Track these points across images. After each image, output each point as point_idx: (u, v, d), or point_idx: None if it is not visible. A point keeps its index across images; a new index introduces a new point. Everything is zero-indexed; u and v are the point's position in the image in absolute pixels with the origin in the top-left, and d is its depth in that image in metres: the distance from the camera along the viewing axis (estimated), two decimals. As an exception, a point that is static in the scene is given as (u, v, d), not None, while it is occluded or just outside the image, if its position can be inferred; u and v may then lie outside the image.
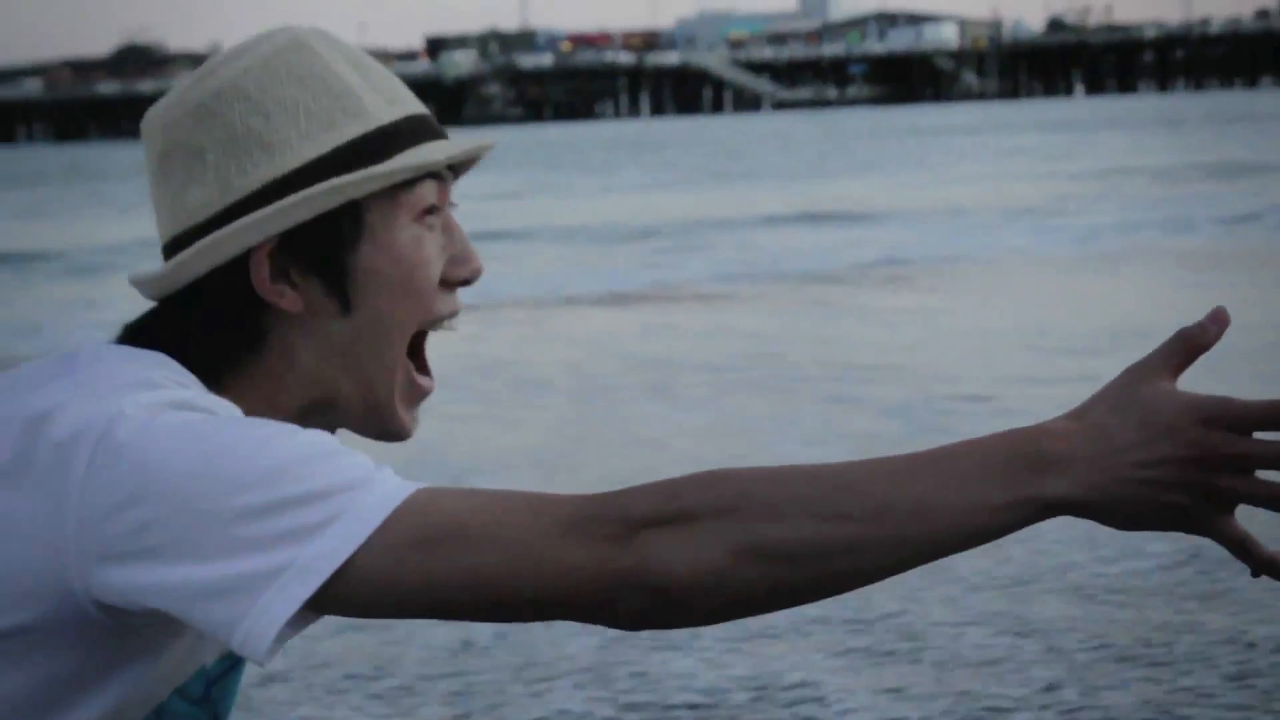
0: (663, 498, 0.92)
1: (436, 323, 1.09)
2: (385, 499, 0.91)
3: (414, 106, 1.10)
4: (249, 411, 1.01)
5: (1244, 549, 0.88)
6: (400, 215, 1.05)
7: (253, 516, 0.90)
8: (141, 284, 1.06)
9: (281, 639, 0.91)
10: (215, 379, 1.03)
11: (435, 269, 1.07)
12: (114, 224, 23.86)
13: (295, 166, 1.03)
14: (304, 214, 1.01)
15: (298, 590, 0.90)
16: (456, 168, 1.11)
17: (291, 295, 1.03)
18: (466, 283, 1.10)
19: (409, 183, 1.05)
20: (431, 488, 0.95)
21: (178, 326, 1.04)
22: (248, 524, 0.90)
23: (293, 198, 1.01)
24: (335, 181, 1.02)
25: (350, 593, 0.91)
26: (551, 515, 0.92)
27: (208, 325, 1.04)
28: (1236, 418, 0.87)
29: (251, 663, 0.96)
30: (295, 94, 1.04)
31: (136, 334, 1.05)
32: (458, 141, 1.10)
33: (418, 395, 1.10)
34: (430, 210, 1.07)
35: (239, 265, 1.02)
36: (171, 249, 1.05)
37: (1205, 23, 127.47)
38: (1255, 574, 0.89)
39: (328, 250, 1.04)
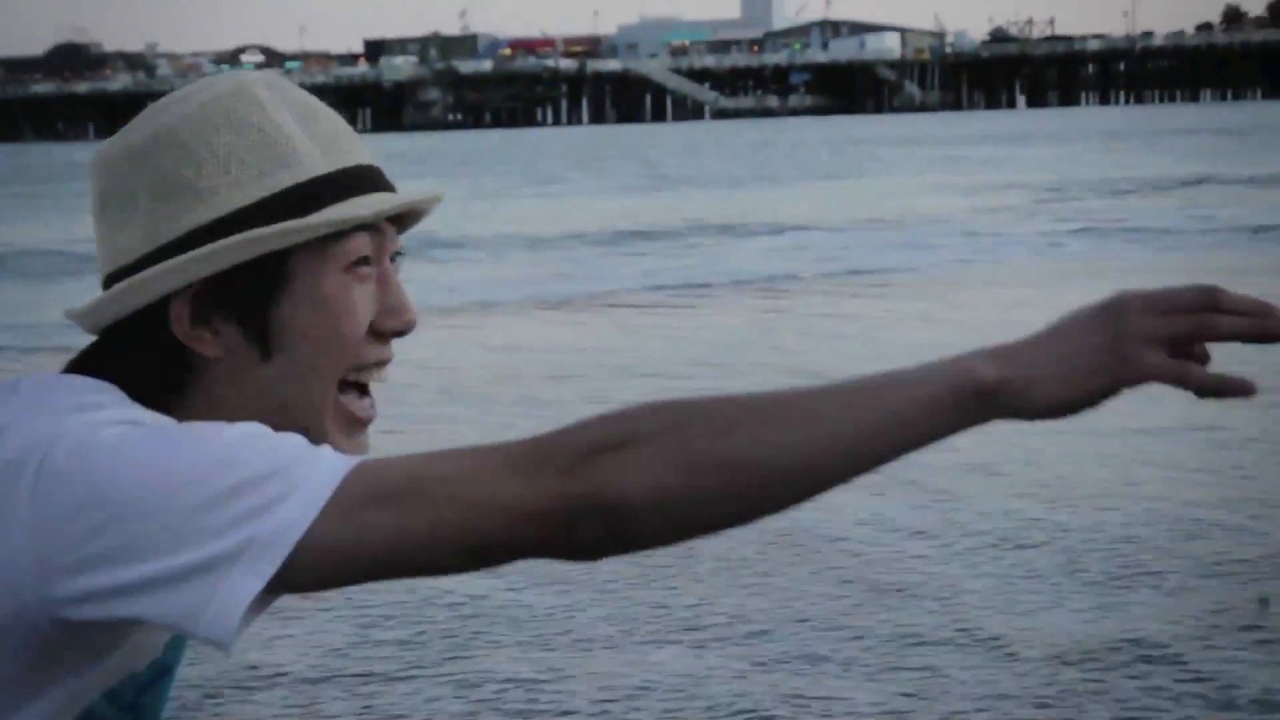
0: (609, 425, 0.93)
1: (364, 370, 1.10)
2: (334, 468, 0.93)
3: (355, 158, 1.09)
4: None
5: (1183, 376, 0.91)
6: (327, 266, 1.05)
7: (205, 507, 0.91)
8: (74, 318, 1.08)
9: (246, 621, 0.91)
10: (158, 408, 1.03)
11: (362, 319, 1.07)
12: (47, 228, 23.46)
13: (219, 215, 1.04)
14: (223, 263, 1.03)
15: (260, 566, 0.90)
16: (404, 218, 1.12)
17: (211, 341, 1.05)
18: (398, 334, 1.11)
19: (338, 234, 1.05)
20: (377, 457, 0.97)
21: (114, 360, 1.06)
22: (201, 515, 0.91)
23: (211, 246, 1.02)
24: (255, 233, 1.02)
25: (313, 563, 0.91)
26: (502, 458, 0.93)
27: (137, 364, 1.05)
28: (1148, 302, 0.91)
29: (218, 650, 0.96)
30: (229, 141, 1.05)
31: (81, 365, 1.07)
32: (393, 196, 1.09)
33: (357, 426, 1.11)
34: (363, 261, 1.07)
35: (162, 308, 1.04)
36: (106, 286, 1.07)
37: (1148, 36, 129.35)
38: (1201, 396, 0.91)
39: (247, 299, 1.05)
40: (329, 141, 1.08)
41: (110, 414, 0.98)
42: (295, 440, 0.96)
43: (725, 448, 0.92)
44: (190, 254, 1.02)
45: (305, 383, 1.06)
